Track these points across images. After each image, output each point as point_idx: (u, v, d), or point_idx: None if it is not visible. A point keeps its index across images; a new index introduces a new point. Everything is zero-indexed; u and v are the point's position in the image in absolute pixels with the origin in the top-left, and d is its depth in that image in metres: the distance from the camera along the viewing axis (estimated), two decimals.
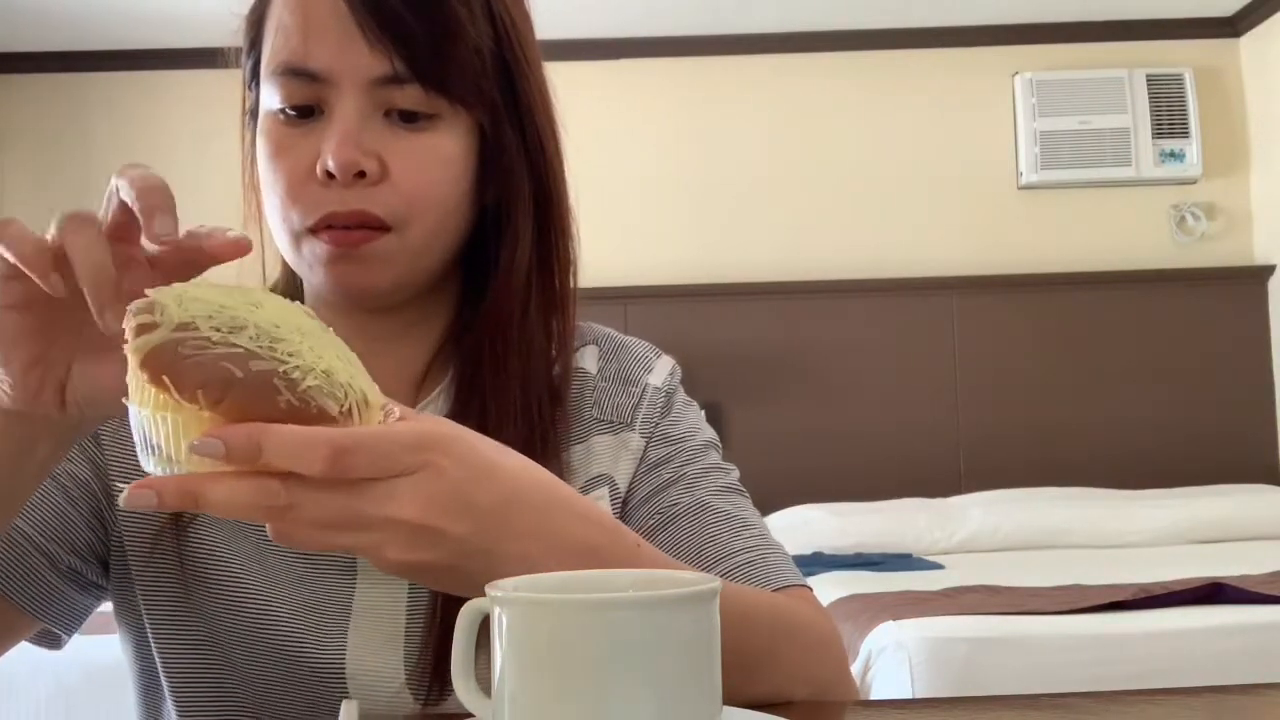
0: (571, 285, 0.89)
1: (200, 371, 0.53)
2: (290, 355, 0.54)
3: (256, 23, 0.84)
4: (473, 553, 0.59)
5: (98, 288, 0.58)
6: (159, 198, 0.60)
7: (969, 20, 4.29)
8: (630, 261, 4.19)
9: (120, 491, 0.80)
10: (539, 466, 0.65)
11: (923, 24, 4.29)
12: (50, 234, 0.60)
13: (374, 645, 0.81)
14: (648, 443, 0.89)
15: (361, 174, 0.78)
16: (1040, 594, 2.65)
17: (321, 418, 0.54)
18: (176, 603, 0.83)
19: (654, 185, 4.31)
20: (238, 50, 0.86)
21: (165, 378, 0.53)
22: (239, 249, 0.63)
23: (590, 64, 4.23)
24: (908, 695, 2.25)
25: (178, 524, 0.83)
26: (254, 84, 0.84)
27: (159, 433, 0.54)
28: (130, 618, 0.86)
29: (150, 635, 0.84)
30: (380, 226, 0.78)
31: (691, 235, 4.31)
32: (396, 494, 0.56)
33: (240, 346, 0.53)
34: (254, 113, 0.84)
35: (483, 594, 0.56)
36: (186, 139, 3.99)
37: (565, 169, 0.88)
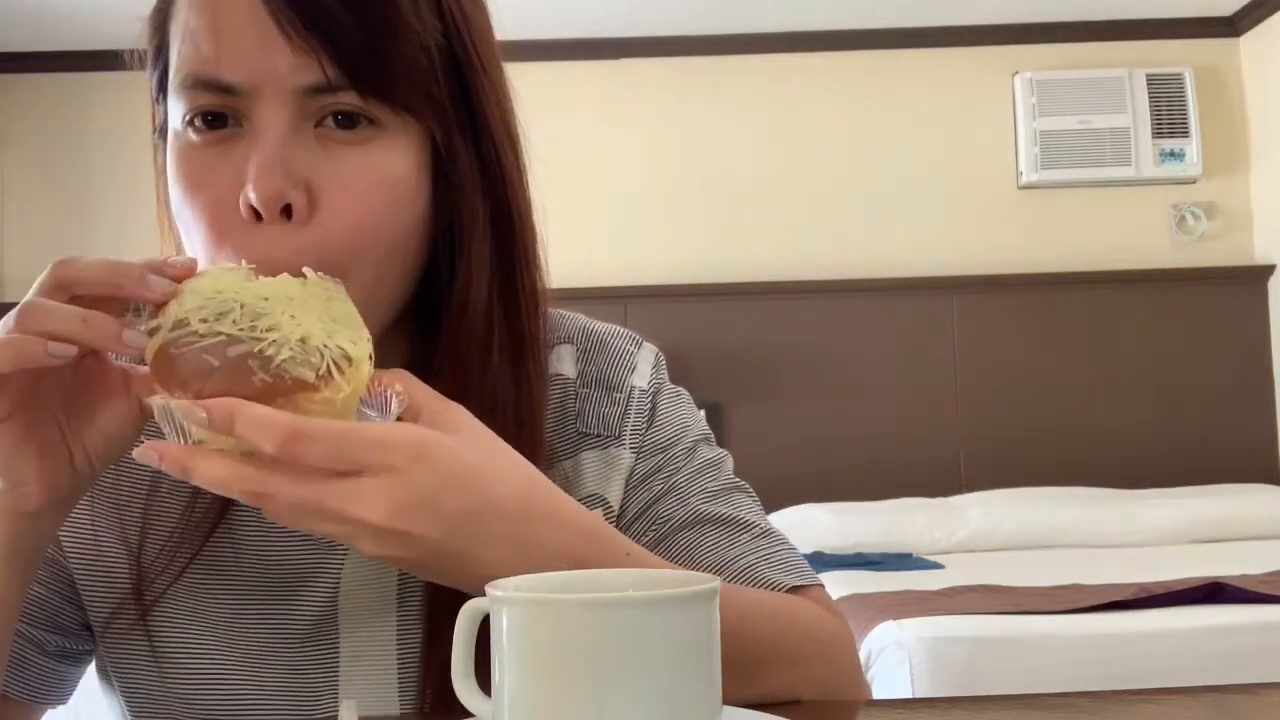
0: (541, 321, 0.78)
1: (185, 367, 0.59)
2: (269, 330, 0.58)
3: (161, 25, 0.72)
4: (443, 554, 0.60)
5: (97, 328, 0.60)
6: (134, 269, 0.61)
7: (969, 20, 4.28)
8: (630, 261, 4.19)
9: (74, 564, 0.79)
10: (527, 474, 0.64)
11: (923, 24, 4.29)
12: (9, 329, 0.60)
13: (365, 700, 0.76)
14: (637, 456, 0.83)
15: (289, 209, 0.67)
16: (1040, 594, 2.65)
17: (299, 387, 0.58)
18: (147, 682, 0.78)
19: (654, 185, 4.31)
20: (143, 53, 0.75)
21: (158, 380, 0.60)
22: (189, 270, 0.63)
23: (589, 64, 4.22)
24: (908, 695, 2.25)
25: (140, 603, 0.77)
26: (162, 96, 0.73)
27: (173, 419, 0.60)
28: (107, 684, 0.83)
29: (123, 704, 0.81)
30: None
31: (691, 235, 4.30)
32: (361, 495, 0.57)
33: (223, 334, 0.58)
34: (164, 130, 0.73)
35: (465, 587, 0.59)
36: None
37: (529, 188, 0.77)
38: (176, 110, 0.70)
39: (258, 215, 0.67)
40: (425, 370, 0.74)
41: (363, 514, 0.57)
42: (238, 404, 0.56)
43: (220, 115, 0.68)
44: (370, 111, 0.68)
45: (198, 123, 0.69)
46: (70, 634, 0.81)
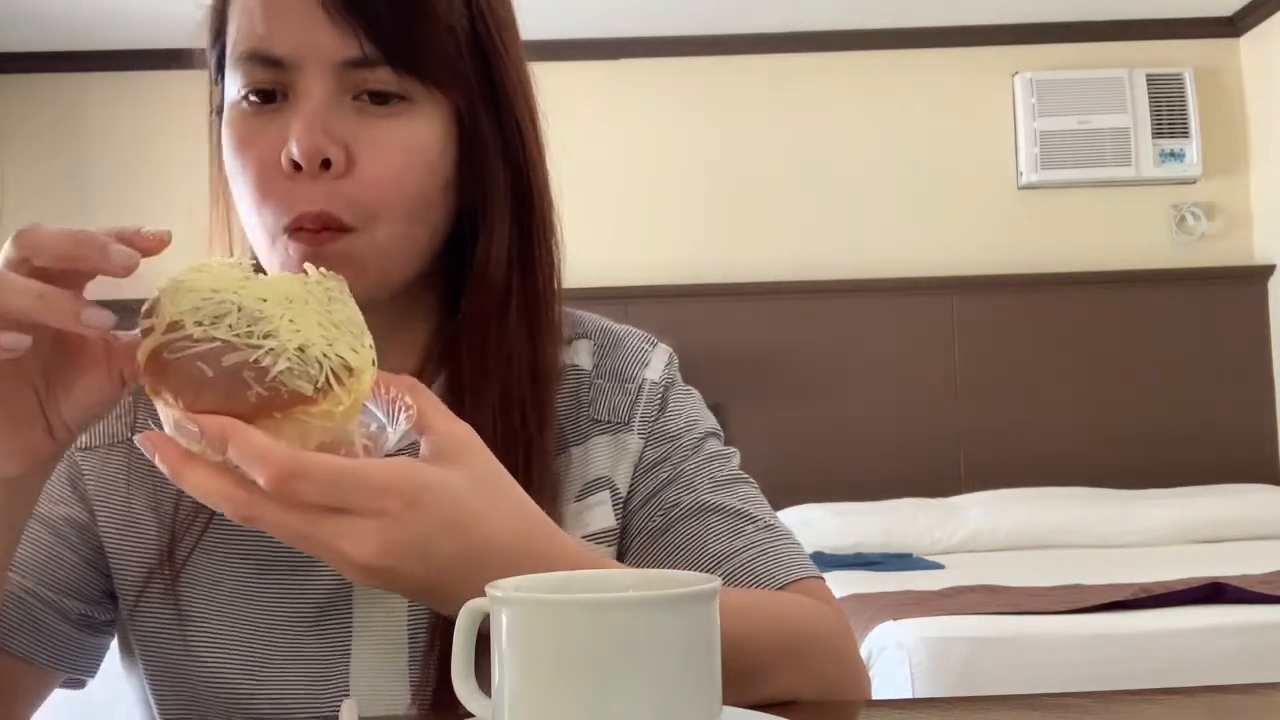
0: (556, 286, 0.85)
1: (178, 374, 0.56)
2: (266, 337, 0.56)
3: (220, 11, 0.81)
4: (430, 592, 0.61)
5: (53, 306, 0.57)
6: (97, 239, 0.59)
7: (969, 20, 4.28)
8: (631, 261, 4.19)
9: (104, 528, 0.82)
10: (525, 513, 0.64)
11: (923, 24, 4.29)
12: None
13: (377, 672, 0.78)
14: (645, 443, 0.86)
15: (327, 163, 0.74)
16: (1040, 594, 2.65)
17: (295, 400, 0.56)
18: (170, 650, 0.81)
19: (655, 185, 4.31)
20: (204, 52, 0.84)
21: (150, 385, 0.58)
22: (160, 243, 0.61)
23: (590, 64, 4.23)
24: (908, 695, 2.25)
25: (172, 565, 0.80)
26: (219, 78, 0.81)
27: (170, 419, 0.59)
28: (128, 655, 0.85)
29: (144, 678, 0.82)
30: (343, 227, 0.75)
31: (692, 235, 4.30)
32: (353, 533, 0.57)
33: (218, 339, 0.56)
34: (220, 110, 0.81)
35: (451, 615, 0.58)
36: (185, 139, 3.98)
37: (547, 162, 0.85)
38: (233, 84, 0.78)
39: (298, 169, 0.74)
40: (447, 340, 0.82)
41: (351, 552, 0.57)
42: (233, 426, 0.55)
43: (270, 93, 0.76)
44: (400, 90, 0.76)
45: (251, 97, 0.77)
46: (93, 601, 0.83)
